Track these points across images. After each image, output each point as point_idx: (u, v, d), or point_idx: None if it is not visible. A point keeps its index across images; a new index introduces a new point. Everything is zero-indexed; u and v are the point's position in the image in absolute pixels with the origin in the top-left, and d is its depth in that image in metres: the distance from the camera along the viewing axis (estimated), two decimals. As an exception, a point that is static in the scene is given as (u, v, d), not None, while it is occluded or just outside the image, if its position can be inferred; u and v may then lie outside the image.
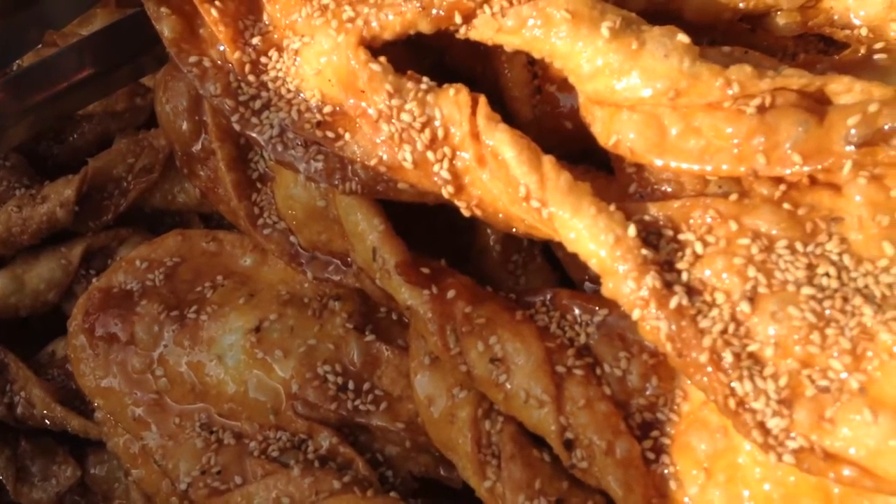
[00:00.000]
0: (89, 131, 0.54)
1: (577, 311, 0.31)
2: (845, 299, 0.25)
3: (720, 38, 0.34)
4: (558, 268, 0.36)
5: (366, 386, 0.35)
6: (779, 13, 0.33)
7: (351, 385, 0.35)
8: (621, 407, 0.29)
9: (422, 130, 0.28)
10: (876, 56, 0.31)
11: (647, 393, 0.30)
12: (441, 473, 0.34)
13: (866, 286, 0.25)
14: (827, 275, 0.25)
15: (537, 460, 0.31)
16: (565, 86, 0.32)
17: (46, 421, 0.49)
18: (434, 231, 0.35)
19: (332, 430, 0.34)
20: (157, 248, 0.38)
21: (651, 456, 0.29)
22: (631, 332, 0.31)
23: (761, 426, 0.25)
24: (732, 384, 0.25)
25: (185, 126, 0.37)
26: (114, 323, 0.37)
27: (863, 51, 0.31)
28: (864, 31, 0.32)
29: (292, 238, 0.35)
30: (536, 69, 0.33)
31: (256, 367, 0.35)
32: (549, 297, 0.32)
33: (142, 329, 0.37)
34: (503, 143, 0.27)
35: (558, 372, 0.30)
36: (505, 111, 0.32)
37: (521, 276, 0.35)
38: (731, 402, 0.25)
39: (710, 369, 0.25)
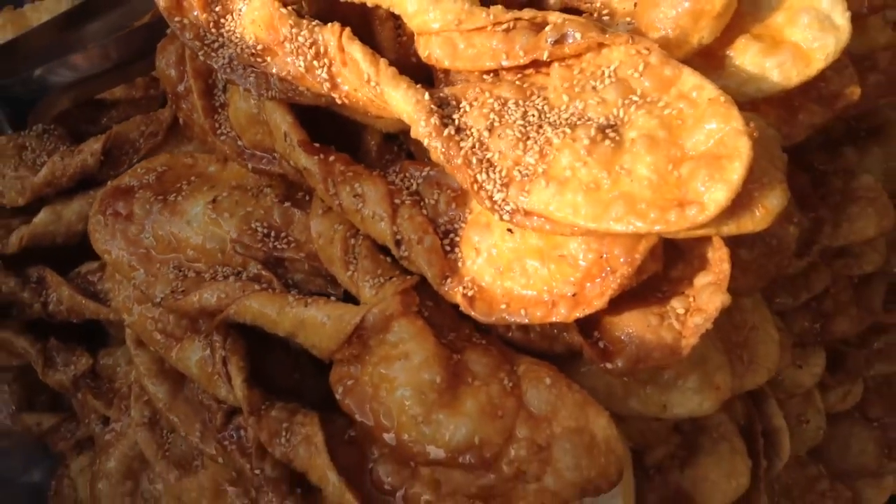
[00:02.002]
0: (115, 115, 0.73)
1: (412, 170, 0.48)
2: (540, 127, 0.41)
3: None
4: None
5: (282, 234, 0.52)
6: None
7: (272, 234, 0.51)
8: (432, 221, 0.46)
9: (310, 48, 0.46)
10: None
11: (449, 213, 0.46)
12: (329, 290, 0.50)
13: (552, 120, 0.42)
14: (532, 115, 0.42)
15: (381, 259, 0.47)
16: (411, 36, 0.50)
17: (71, 314, 0.65)
18: (329, 140, 0.52)
19: (258, 262, 0.51)
20: (152, 161, 0.56)
21: (448, 248, 0.45)
22: (442, 179, 0.48)
23: (491, 198, 0.41)
24: (477, 176, 0.41)
25: (173, 73, 0.55)
26: (120, 205, 0.54)
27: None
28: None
29: (240, 142, 0.53)
30: (399, 29, 0.52)
31: (212, 225, 0.52)
32: (398, 167, 0.50)
33: (138, 207, 0.54)
34: (356, 50, 0.45)
35: (395, 203, 0.47)
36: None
37: (388, 165, 0.52)
38: (476, 187, 0.41)
39: (464, 169, 0.42)
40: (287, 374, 0.54)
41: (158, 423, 0.58)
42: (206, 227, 0.52)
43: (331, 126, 0.51)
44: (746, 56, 0.44)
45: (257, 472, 0.50)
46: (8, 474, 0.76)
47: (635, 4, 0.46)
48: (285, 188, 0.53)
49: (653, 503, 0.52)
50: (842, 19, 0.43)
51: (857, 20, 0.44)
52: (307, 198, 0.53)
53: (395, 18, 0.51)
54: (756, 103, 0.43)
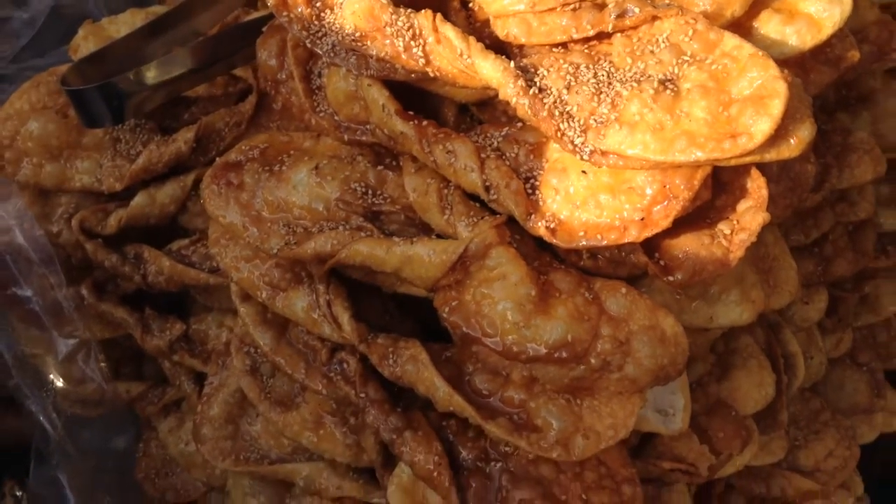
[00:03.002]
0: (196, 111, 0.80)
1: (491, 131, 0.56)
2: (609, 83, 0.50)
3: None
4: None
5: (378, 192, 0.59)
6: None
7: (370, 191, 0.59)
8: (514, 170, 0.54)
9: (408, 30, 0.54)
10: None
11: (529, 163, 0.54)
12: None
13: (619, 78, 0.50)
14: (602, 75, 0.50)
15: (472, 203, 0.55)
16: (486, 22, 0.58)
17: (170, 283, 0.72)
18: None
19: (359, 216, 0.58)
20: (254, 139, 0.63)
21: (530, 191, 0.53)
22: (519, 136, 0.56)
23: (573, 143, 0.49)
24: (560, 125, 0.49)
25: (274, 63, 0.63)
26: (231, 175, 0.61)
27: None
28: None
29: (336, 117, 0.60)
30: (470, 17, 0.60)
31: (316, 188, 0.59)
32: (478, 129, 0.58)
33: (248, 177, 0.61)
34: (449, 30, 0.53)
35: (482, 157, 0.54)
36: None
37: (465, 132, 0.60)
38: (559, 135, 0.49)
39: (549, 120, 0.50)
40: (379, 316, 0.61)
41: (258, 370, 0.65)
42: (311, 189, 0.59)
43: (412, 101, 0.59)
44: (770, 25, 0.52)
45: (362, 395, 0.57)
46: (92, 444, 0.81)
47: (677, -15, 0.54)
48: (374, 155, 0.60)
49: (697, 411, 0.59)
50: (844, -6, 0.52)
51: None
52: (394, 162, 0.60)
53: (467, 8, 0.59)
54: (779, 65, 0.52)
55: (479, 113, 0.60)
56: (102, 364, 0.73)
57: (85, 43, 0.82)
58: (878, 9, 0.61)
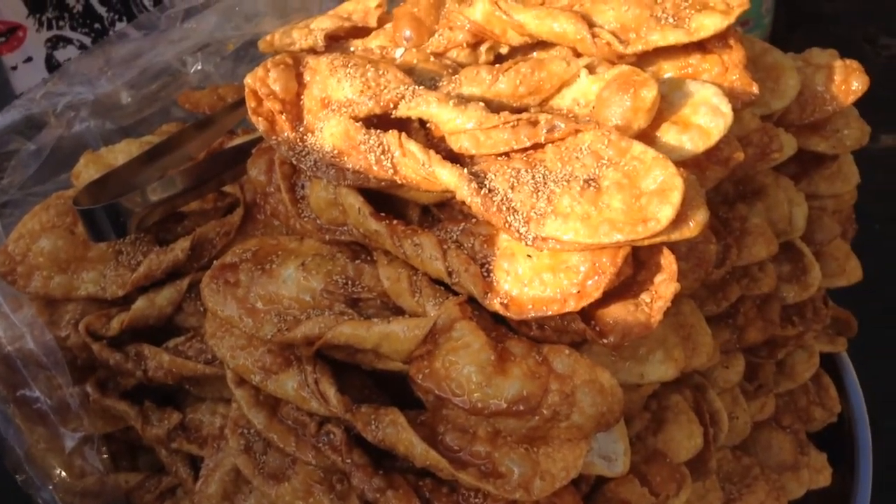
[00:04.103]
0: (188, 224, 0.89)
1: (450, 227, 0.65)
2: (545, 183, 0.60)
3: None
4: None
5: (356, 282, 0.68)
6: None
7: (349, 282, 0.67)
8: (471, 257, 0.63)
9: (378, 147, 0.64)
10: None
11: (483, 251, 0.63)
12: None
13: (552, 178, 0.60)
14: (538, 177, 0.60)
15: (437, 287, 0.64)
16: (441, 138, 0.69)
17: (169, 376, 0.78)
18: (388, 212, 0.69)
19: (341, 303, 0.67)
20: (246, 243, 0.72)
21: (485, 274, 0.62)
22: (474, 229, 0.65)
23: (518, 231, 0.58)
24: (507, 218, 0.59)
25: (263, 178, 0.72)
26: (228, 275, 0.69)
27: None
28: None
29: (318, 221, 0.70)
30: (427, 133, 0.71)
31: (303, 282, 0.68)
32: (440, 226, 0.67)
33: (243, 276, 0.69)
34: (412, 145, 0.63)
35: (443, 248, 0.64)
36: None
37: (428, 227, 0.69)
38: (507, 226, 0.59)
39: (498, 215, 0.59)
40: (360, 391, 0.68)
41: (252, 448, 0.71)
42: (298, 283, 0.67)
43: (382, 205, 0.68)
44: (669, 134, 0.64)
45: (348, 461, 0.64)
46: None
47: (593, 107, 0.66)
48: (351, 252, 0.69)
49: (637, 461, 0.67)
50: (727, 108, 0.64)
51: (735, 112, 0.65)
52: (369, 257, 0.69)
53: (424, 128, 0.70)
54: (677, 165, 0.63)
55: (438, 212, 0.69)
56: (105, 456, 0.78)
57: (86, 170, 0.91)
58: (758, 118, 0.73)
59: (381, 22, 0.98)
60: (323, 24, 1.01)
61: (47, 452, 0.79)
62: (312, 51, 0.97)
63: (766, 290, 0.77)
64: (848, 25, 2.07)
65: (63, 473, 0.79)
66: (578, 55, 0.77)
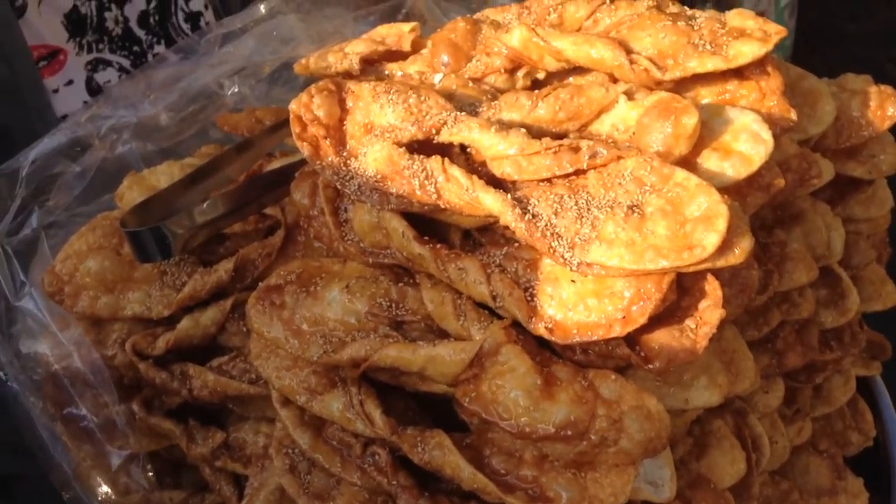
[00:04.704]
0: (231, 244, 0.89)
1: (493, 251, 0.66)
2: (588, 209, 0.60)
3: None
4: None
5: (400, 305, 0.68)
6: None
7: (393, 305, 0.68)
8: (515, 281, 0.63)
9: (422, 172, 0.64)
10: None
11: (526, 276, 0.63)
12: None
13: (595, 205, 0.60)
14: (581, 203, 0.61)
15: (481, 311, 0.64)
16: (482, 163, 0.70)
17: (213, 395, 0.79)
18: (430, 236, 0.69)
19: (386, 325, 0.67)
20: (290, 265, 0.72)
21: (529, 298, 0.62)
22: (517, 254, 0.65)
23: (563, 257, 0.58)
24: (551, 243, 0.59)
25: (306, 202, 0.73)
26: (274, 296, 0.70)
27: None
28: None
29: (361, 244, 0.70)
30: (468, 158, 0.71)
31: (348, 304, 0.68)
32: (482, 250, 0.67)
33: (288, 297, 0.69)
34: (455, 170, 0.63)
35: (487, 272, 0.64)
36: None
37: (470, 251, 0.69)
38: (551, 251, 0.59)
39: (542, 240, 0.60)
40: (403, 413, 0.68)
41: (297, 468, 0.71)
42: (343, 305, 0.68)
43: (424, 229, 0.69)
44: (710, 161, 0.64)
45: (393, 483, 0.64)
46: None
47: (633, 133, 0.66)
48: (394, 275, 0.70)
49: (681, 486, 0.67)
50: (767, 135, 0.64)
51: (774, 138, 0.65)
52: (411, 280, 0.69)
53: (465, 152, 0.70)
54: (720, 192, 0.63)
55: (480, 236, 0.70)
56: (150, 473, 0.79)
57: (129, 191, 0.92)
58: (796, 144, 0.73)
59: (415, 46, 0.99)
60: (357, 47, 1.02)
61: (93, 470, 0.80)
62: (348, 74, 0.98)
63: (805, 315, 0.76)
64: (871, 46, 2.06)
65: (109, 491, 0.79)
66: (615, 81, 0.78)
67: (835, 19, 2.11)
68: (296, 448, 0.71)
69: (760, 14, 0.81)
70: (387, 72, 0.95)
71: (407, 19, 1.22)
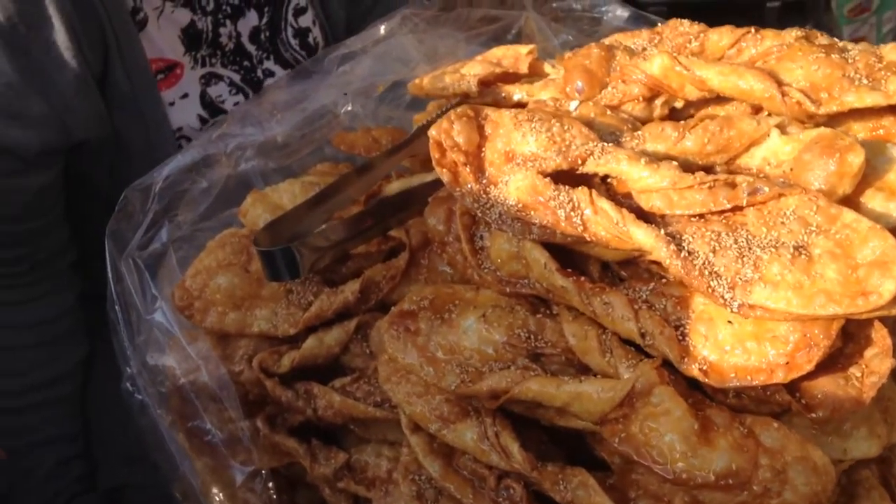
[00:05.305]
0: (353, 264, 0.89)
1: (638, 286, 0.63)
2: (749, 248, 0.57)
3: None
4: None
5: (539, 336, 0.66)
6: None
7: (532, 336, 0.66)
8: (665, 318, 0.61)
9: (568, 203, 0.63)
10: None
11: (676, 314, 0.61)
12: (580, 377, 0.64)
13: (757, 244, 0.57)
14: (741, 241, 0.58)
15: (628, 348, 0.61)
16: (625, 194, 0.67)
17: (338, 416, 0.78)
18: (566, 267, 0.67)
19: (524, 357, 0.65)
20: (422, 291, 0.71)
21: (680, 337, 0.60)
22: (665, 290, 0.63)
23: (722, 297, 0.55)
24: (710, 283, 0.56)
25: (441, 227, 0.72)
26: (408, 322, 0.69)
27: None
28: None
29: (498, 273, 0.68)
30: (608, 189, 0.69)
31: (485, 333, 0.67)
32: (626, 284, 0.65)
33: (423, 324, 0.68)
34: (604, 203, 0.61)
35: (634, 308, 0.62)
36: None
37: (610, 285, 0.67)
38: (710, 291, 0.56)
39: (700, 279, 0.57)
40: (536, 446, 0.66)
41: (424, 495, 0.70)
42: (480, 334, 0.66)
43: (560, 258, 0.67)
44: (875, 201, 0.60)
45: (529, 519, 0.62)
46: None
47: (791, 169, 0.63)
48: (530, 305, 0.68)
49: (830, 537, 0.63)
50: (937, 177, 0.60)
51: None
52: (549, 310, 0.67)
53: (605, 182, 0.68)
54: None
55: (621, 269, 0.67)
56: (271, 491, 0.79)
57: (253, 208, 0.93)
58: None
59: (532, 68, 0.97)
60: (474, 69, 1.01)
61: (214, 484, 0.80)
62: (466, 96, 0.97)
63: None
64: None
65: (229, 505, 0.79)
66: (757, 111, 0.75)
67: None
68: (423, 475, 0.69)
69: (861, 39, 0.77)
70: (503, 94, 0.94)
71: (517, 39, 1.21)
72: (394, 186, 0.94)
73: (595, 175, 0.67)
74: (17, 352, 1.17)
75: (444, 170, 0.68)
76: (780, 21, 2.73)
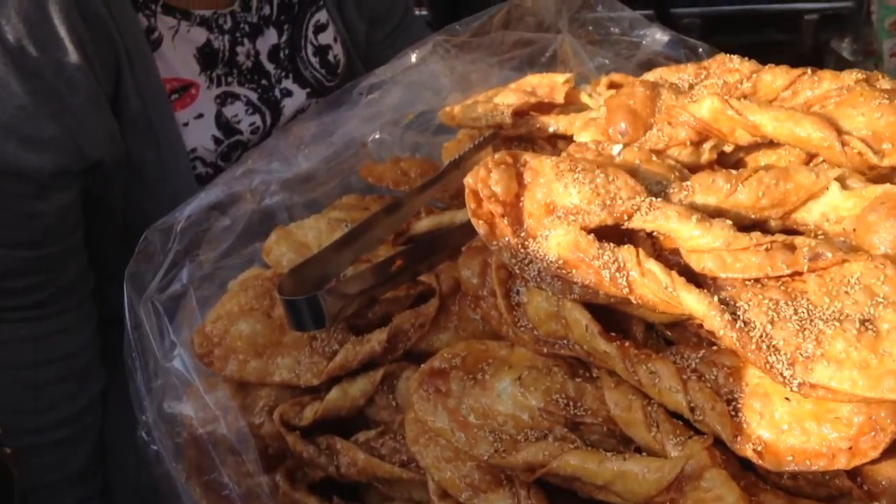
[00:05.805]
0: (380, 309, 0.86)
1: (687, 353, 0.60)
2: (811, 320, 0.53)
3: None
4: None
5: (578, 403, 0.63)
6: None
7: (571, 403, 0.62)
8: (715, 391, 0.57)
9: (613, 263, 0.59)
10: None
11: (729, 386, 0.57)
12: (620, 449, 0.61)
13: (819, 315, 0.54)
14: (802, 311, 0.54)
15: (675, 422, 0.58)
16: (673, 250, 0.64)
17: (361, 475, 0.75)
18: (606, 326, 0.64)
19: (562, 426, 0.62)
20: (454, 347, 0.68)
21: (733, 413, 0.56)
22: (716, 359, 0.59)
23: (781, 374, 0.52)
24: (768, 358, 0.53)
25: (475, 280, 0.68)
26: (439, 383, 0.66)
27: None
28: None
29: (535, 332, 0.65)
30: (654, 245, 0.65)
31: (520, 398, 0.63)
32: (674, 349, 0.61)
33: (454, 385, 0.65)
34: (652, 265, 0.58)
35: (682, 378, 0.58)
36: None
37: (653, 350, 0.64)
38: (768, 367, 0.53)
39: (757, 353, 0.53)
40: (571, 520, 0.63)
41: (452, 563, 0.66)
42: (515, 399, 0.63)
43: (601, 315, 0.63)
44: (946, 269, 0.56)
45: None
46: None
47: (854, 229, 0.59)
48: (569, 367, 0.65)
49: None
50: None
51: None
52: (588, 374, 0.64)
53: (651, 237, 0.65)
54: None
55: (666, 331, 0.64)
56: (289, 551, 0.76)
57: (277, 246, 0.90)
58: None
59: (568, 98, 0.94)
60: (507, 98, 0.98)
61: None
62: (499, 127, 0.94)
63: None
64: None
65: (247, 564, 0.76)
66: (811, 157, 0.71)
67: None
68: (454, 544, 0.66)
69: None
70: (538, 125, 0.91)
71: (551, 62, 1.17)
72: (423, 224, 0.91)
73: (641, 229, 0.64)
74: (47, 388, 1.15)
75: (481, 221, 0.65)
76: (818, 34, 2.65)
